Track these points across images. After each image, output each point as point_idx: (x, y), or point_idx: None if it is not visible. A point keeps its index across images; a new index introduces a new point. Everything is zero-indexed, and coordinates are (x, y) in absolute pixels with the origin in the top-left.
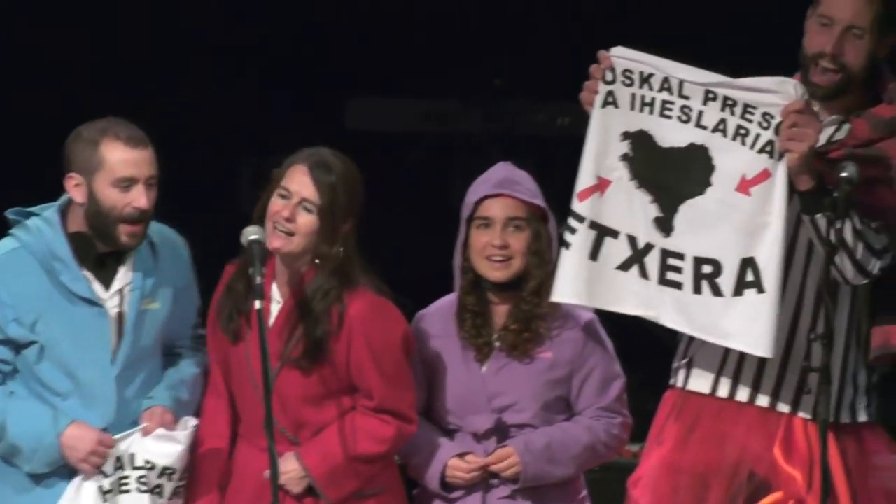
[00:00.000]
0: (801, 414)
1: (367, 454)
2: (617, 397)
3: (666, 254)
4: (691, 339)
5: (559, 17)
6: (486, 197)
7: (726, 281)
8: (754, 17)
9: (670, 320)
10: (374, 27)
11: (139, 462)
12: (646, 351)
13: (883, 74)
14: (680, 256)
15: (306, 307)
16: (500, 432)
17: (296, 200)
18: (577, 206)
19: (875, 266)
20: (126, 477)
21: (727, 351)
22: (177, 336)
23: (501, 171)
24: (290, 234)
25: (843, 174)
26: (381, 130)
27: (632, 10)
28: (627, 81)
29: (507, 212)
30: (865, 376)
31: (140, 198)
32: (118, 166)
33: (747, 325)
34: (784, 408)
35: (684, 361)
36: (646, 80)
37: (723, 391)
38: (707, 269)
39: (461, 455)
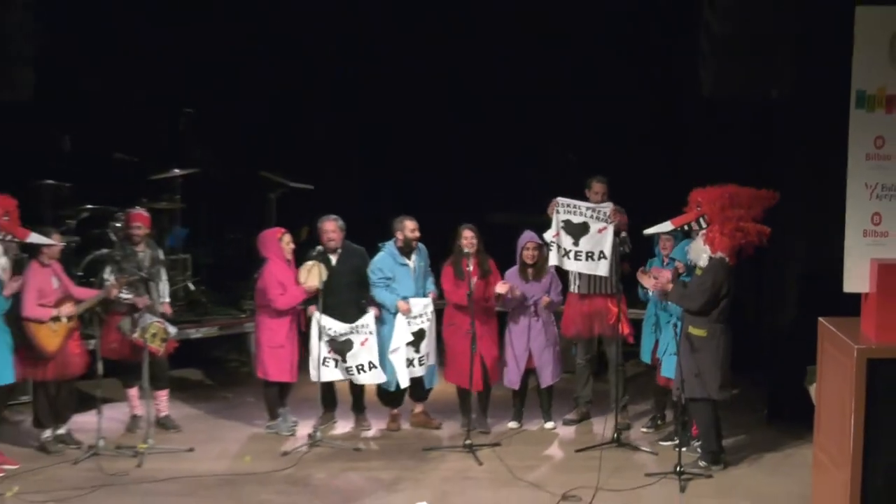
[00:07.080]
0: (612, 293)
1: None
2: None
3: (578, 251)
4: (579, 275)
5: None
6: None
7: (598, 256)
8: None
9: (581, 268)
10: None
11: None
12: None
13: None
14: (581, 250)
15: None
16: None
17: None
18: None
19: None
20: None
21: (591, 278)
22: None
23: None
24: None
25: (623, 232)
26: None
27: None
28: (564, 207)
29: None
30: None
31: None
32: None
33: (602, 268)
34: (608, 292)
35: (577, 284)
36: (569, 206)
37: (584, 291)
38: (594, 255)
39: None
